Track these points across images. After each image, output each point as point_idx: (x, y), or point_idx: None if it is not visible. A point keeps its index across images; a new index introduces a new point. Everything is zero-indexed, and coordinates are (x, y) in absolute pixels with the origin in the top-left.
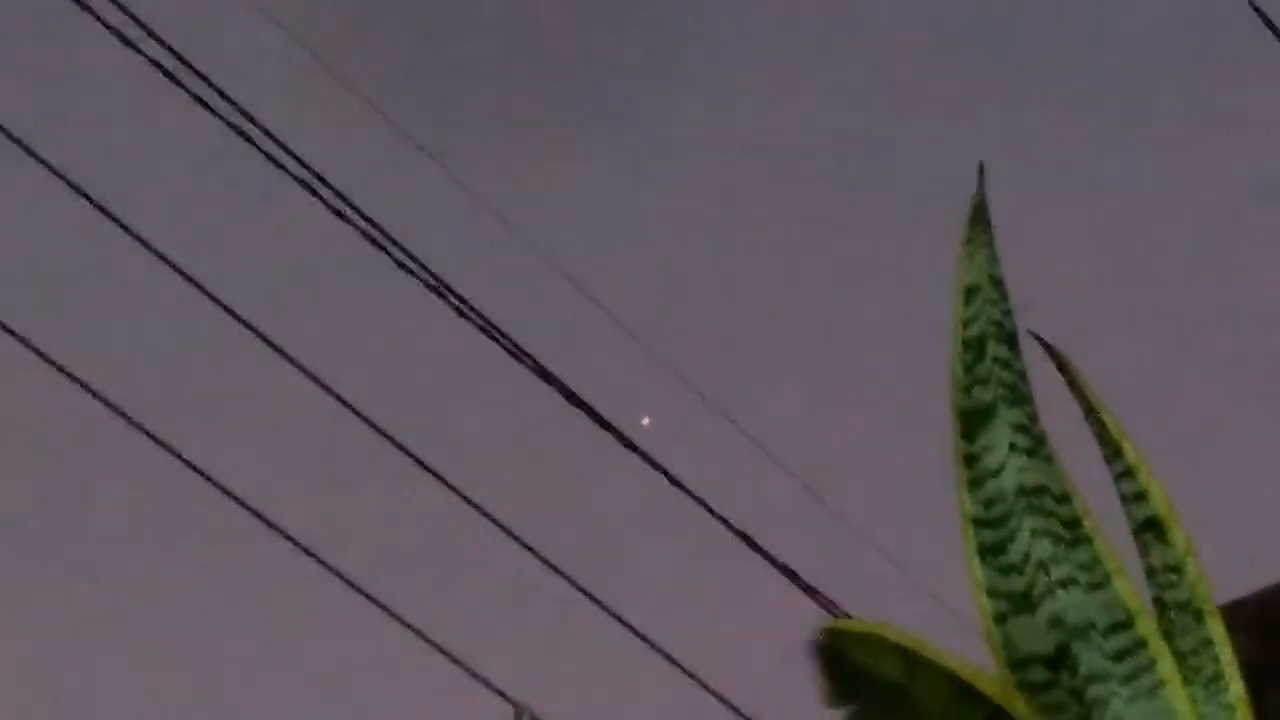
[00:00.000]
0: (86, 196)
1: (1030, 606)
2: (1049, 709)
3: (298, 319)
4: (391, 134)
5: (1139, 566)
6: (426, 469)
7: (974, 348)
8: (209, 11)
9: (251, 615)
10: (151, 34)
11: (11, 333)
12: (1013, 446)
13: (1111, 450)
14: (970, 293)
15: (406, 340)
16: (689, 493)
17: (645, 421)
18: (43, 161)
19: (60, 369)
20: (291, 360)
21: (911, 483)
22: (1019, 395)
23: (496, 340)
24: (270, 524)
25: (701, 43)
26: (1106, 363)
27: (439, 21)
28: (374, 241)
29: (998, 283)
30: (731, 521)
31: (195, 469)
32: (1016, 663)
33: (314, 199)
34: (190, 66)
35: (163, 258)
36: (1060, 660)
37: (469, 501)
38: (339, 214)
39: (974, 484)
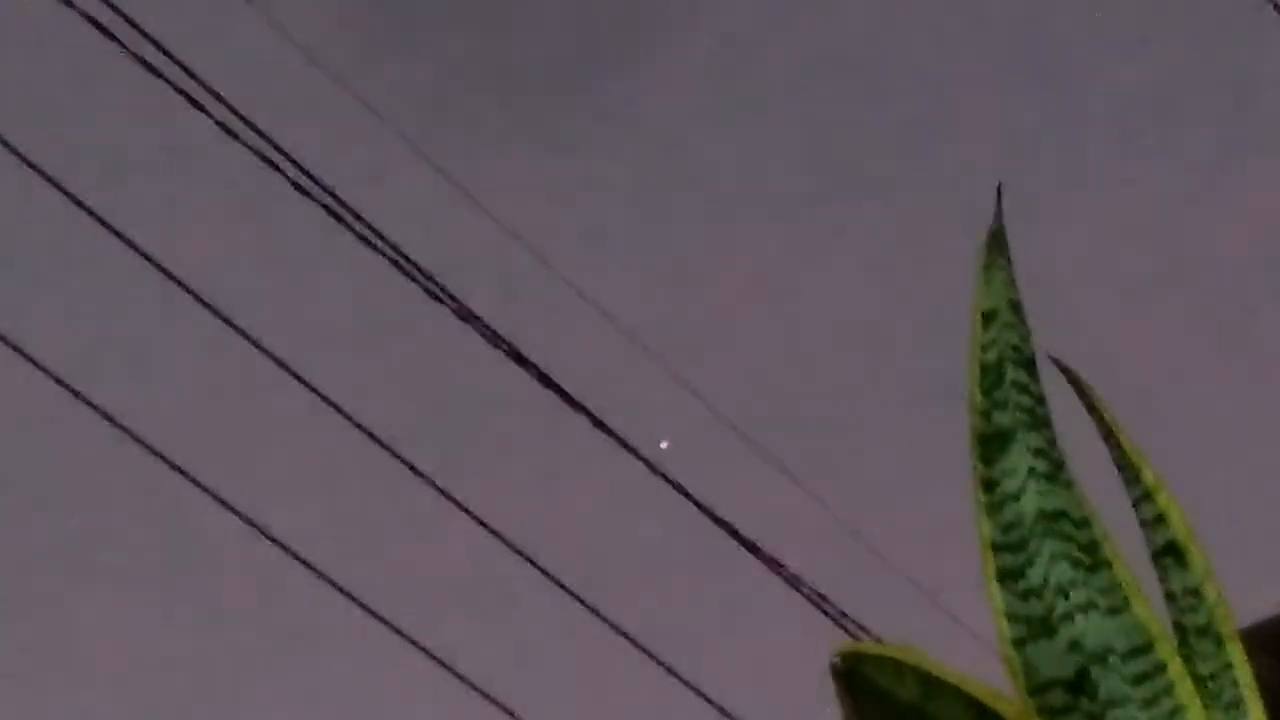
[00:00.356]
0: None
1: (1050, 631)
2: None
3: (315, 343)
4: (409, 153)
5: (1158, 591)
6: (440, 490)
7: (992, 372)
8: (200, 13)
9: (255, 634)
10: (150, 38)
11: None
12: (1031, 471)
13: (1130, 474)
14: (988, 317)
15: (425, 364)
16: (711, 515)
17: (664, 444)
18: (51, 180)
19: (59, 380)
20: (314, 389)
21: (934, 505)
22: (1037, 420)
23: (518, 362)
24: (291, 550)
25: (718, 52)
26: (1124, 385)
27: (462, 34)
28: (399, 266)
29: (1016, 307)
30: (754, 543)
31: (177, 468)
32: (1036, 687)
33: (342, 226)
34: (192, 74)
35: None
36: (1080, 685)
37: (484, 524)
38: (365, 240)
39: (993, 508)
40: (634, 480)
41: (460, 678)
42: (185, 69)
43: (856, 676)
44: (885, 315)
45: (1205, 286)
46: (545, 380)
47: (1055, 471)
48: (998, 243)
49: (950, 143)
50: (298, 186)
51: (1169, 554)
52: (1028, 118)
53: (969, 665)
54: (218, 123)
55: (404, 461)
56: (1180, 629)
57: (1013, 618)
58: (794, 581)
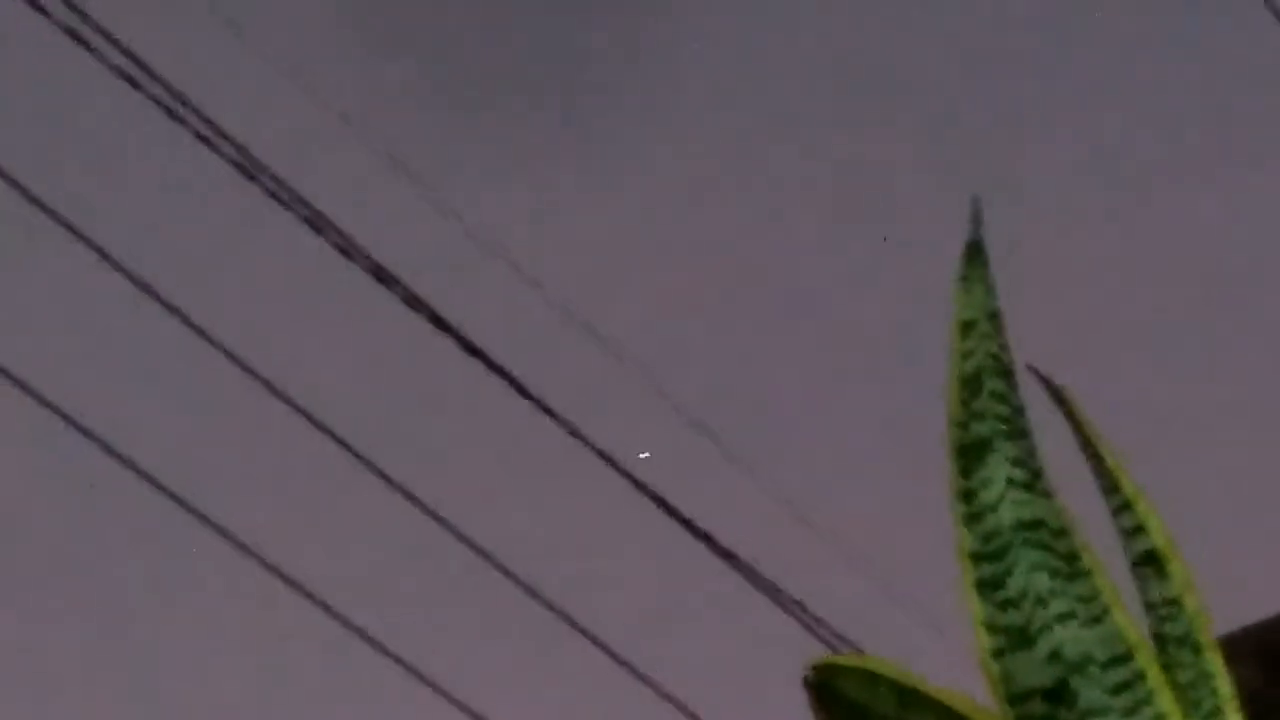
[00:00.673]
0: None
1: (1029, 641)
2: None
3: (296, 355)
4: (390, 167)
5: (1138, 600)
6: (416, 502)
7: (971, 383)
8: (188, 27)
9: (229, 644)
10: (137, 60)
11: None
12: (1010, 481)
13: (1109, 484)
14: (967, 327)
15: (401, 373)
16: (690, 526)
17: (643, 455)
18: (49, 212)
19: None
20: (299, 409)
21: (914, 516)
22: (1016, 430)
23: (496, 371)
24: (261, 558)
25: (706, 68)
26: (1103, 396)
27: (434, 45)
28: (378, 277)
29: (994, 317)
30: (732, 554)
31: (156, 484)
32: (1015, 697)
33: (316, 234)
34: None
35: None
36: (1059, 694)
37: (459, 534)
38: (342, 250)
39: (972, 519)
40: (612, 489)
41: (430, 683)
42: (162, 81)
43: (830, 689)
44: (870, 328)
45: (1182, 298)
46: (520, 389)
47: (1034, 481)
48: (976, 253)
49: (932, 153)
50: (275, 197)
51: (1148, 563)
52: (1005, 130)
53: (947, 675)
54: (168, 111)
55: (379, 473)
56: (1159, 638)
57: (991, 628)
58: (771, 590)
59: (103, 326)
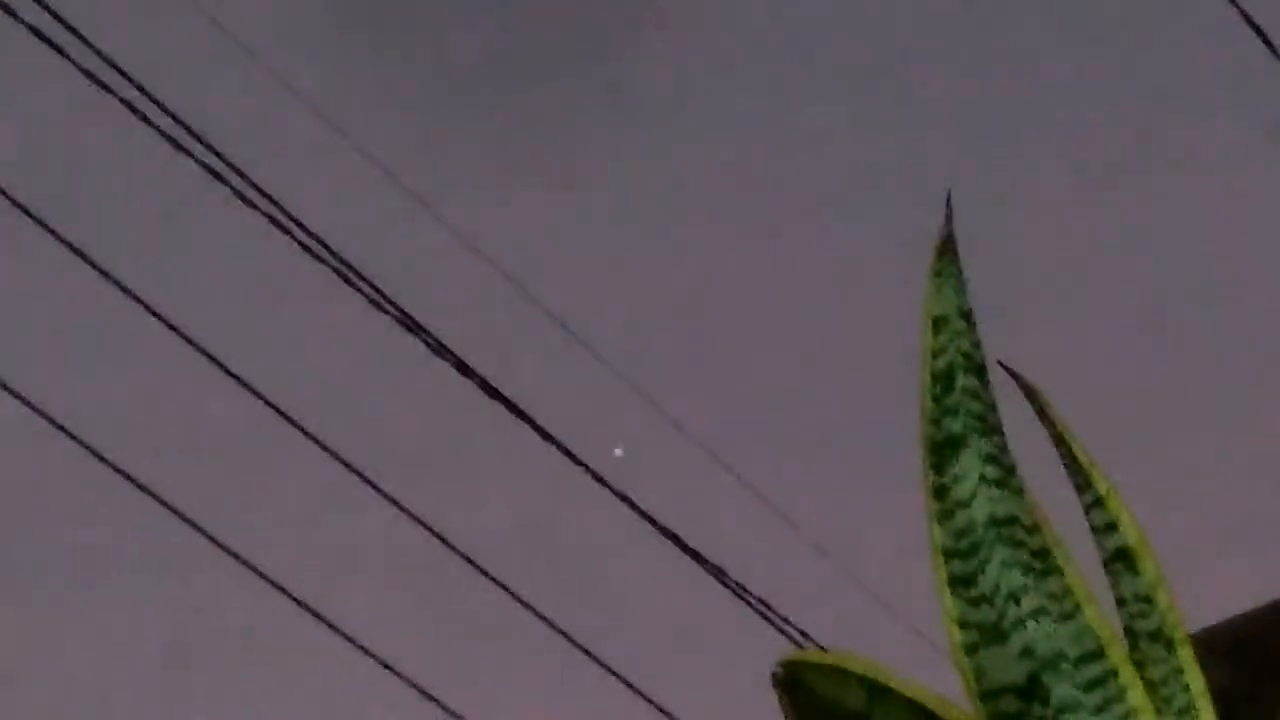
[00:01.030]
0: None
1: (1001, 637)
2: None
3: (277, 354)
4: (366, 166)
5: (1110, 597)
6: (393, 502)
7: (943, 379)
8: (172, 38)
9: (209, 643)
10: (117, 68)
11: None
12: (983, 477)
13: (1081, 480)
14: (939, 323)
15: (377, 376)
16: (658, 525)
17: (618, 452)
18: (50, 229)
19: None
20: (285, 416)
21: (884, 513)
22: (989, 426)
23: (468, 374)
24: (231, 551)
25: (690, 66)
26: (1075, 392)
27: (412, 51)
28: (344, 279)
29: (966, 314)
30: (702, 553)
31: (137, 484)
32: (988, 694)
33: (287, 236)
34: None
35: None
36: (1031, 691)
37: (435, 533)
38: (311, 251)
39: (944, 515)
40: (583, 488)
41: (408, 681)
42: (155, 100)
43: (799, 685)
44: (840, 325)
45: (1155, 295)
46: (492, 390)
47: (1006, 478)
48: (948, 249)
49: (904, 148)
50: (243, 198)
51: (1120, 560)
52: (981, 123)
53: (917, 673)
54: (163, 133)
55: (355, 471)
56: (1131, 634)
57: (964, 624)
58: (739, 589)
59: (85, 323)
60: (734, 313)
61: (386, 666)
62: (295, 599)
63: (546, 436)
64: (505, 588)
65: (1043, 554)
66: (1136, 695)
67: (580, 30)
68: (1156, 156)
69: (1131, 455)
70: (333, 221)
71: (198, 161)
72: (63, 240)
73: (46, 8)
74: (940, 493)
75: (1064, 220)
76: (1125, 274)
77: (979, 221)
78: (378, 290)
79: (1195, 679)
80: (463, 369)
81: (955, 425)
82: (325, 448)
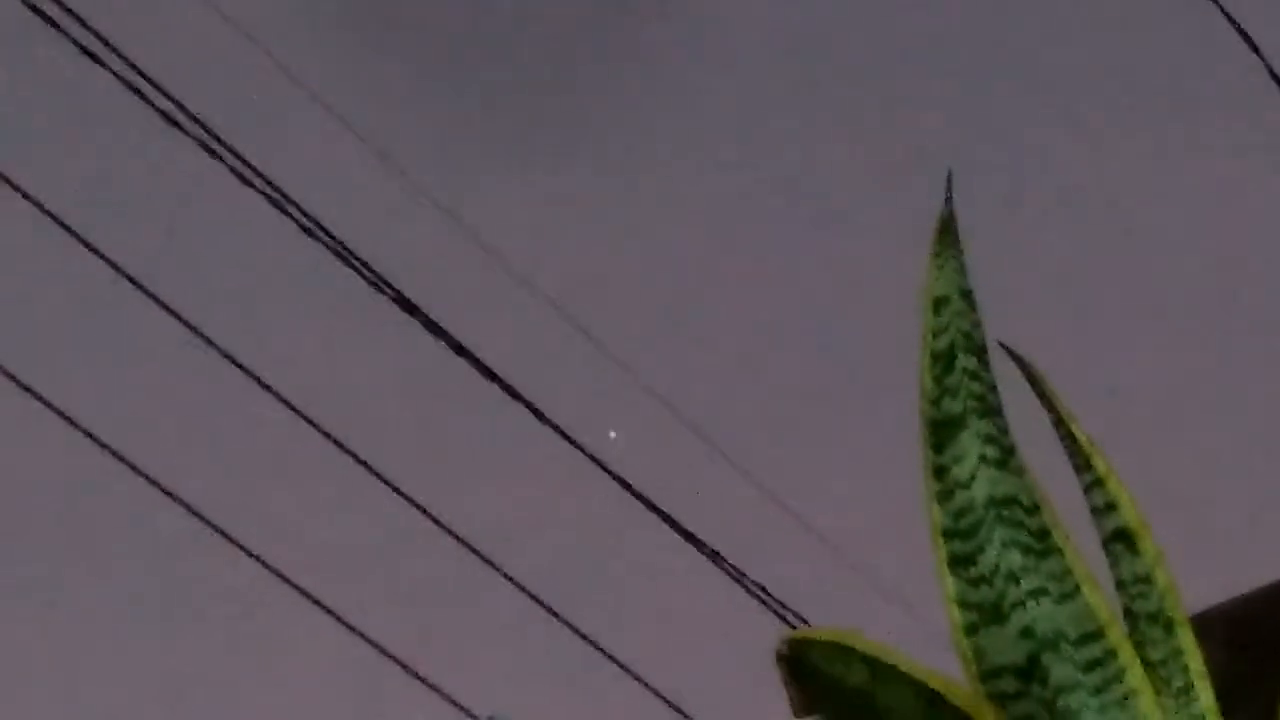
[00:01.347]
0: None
1: (1001, 617)
2: (1020, 719)
3: (276, 341)
4: (360, 149)
5: (1109, 577)
6: (386, 482)
7: (943, 359)
8: (168, 13)
9: (203, 623)
10: (113, 47)
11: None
12: (983, 458)
13: (1081, 461)
14: (939, 304)
15: (372, 360)
16: (654, 507)
17: (612, 435)
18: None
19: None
20: (273, 391)
21: (881, 494)
22: (988, 407)
23: (464, 355)
24: (227, 534)
25: (687, 56)
26: (1074, 373)
27: (418, 40)
28: (344, 260)
29: (967, 294)
30: (698, 535)
31: (132, 466)
32: (987, 674)
33: (284, 215)
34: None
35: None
36: (1031, 671)
37: (430, 516)
38: (305, 229)
39: (944, 495)
40: (578, 470)
41: (399, 662)
42: (160, 88)
43: (803, 663)
44: (832, 304)
45: (1154, 277)
46: (489, 372)
47: (1006, 458)
48: (949, 230)
49: (902, 138)
50: (241, 178)
51: (1119, 540)
52: (983, 107)
53: (913, 654)
54: (161, 112)
55: (349, 452)
56: (1131, 615)
57: (964, 604)
58: (736, 574)
59: (98, 318)
60: (730, 296)
61: (381, 650)
62: (294, 585)
63: (541, 418)
64: (496, 566)
65: (1042, 534)
66: (1136, 675)
67: (581, 25)
68: (1159, 138)
69: (1131, 436)
70: (330, 204)
71: (197, 142)
72: (59, 221)
73: None
74: (940, 473)
75: (1066, 198)
76: (1127, 256)
77: (980, 204)
78: (373, 272)
79: (1195, 659)
80: (459, 351)
81: (955, 406)
82: (322, 430)
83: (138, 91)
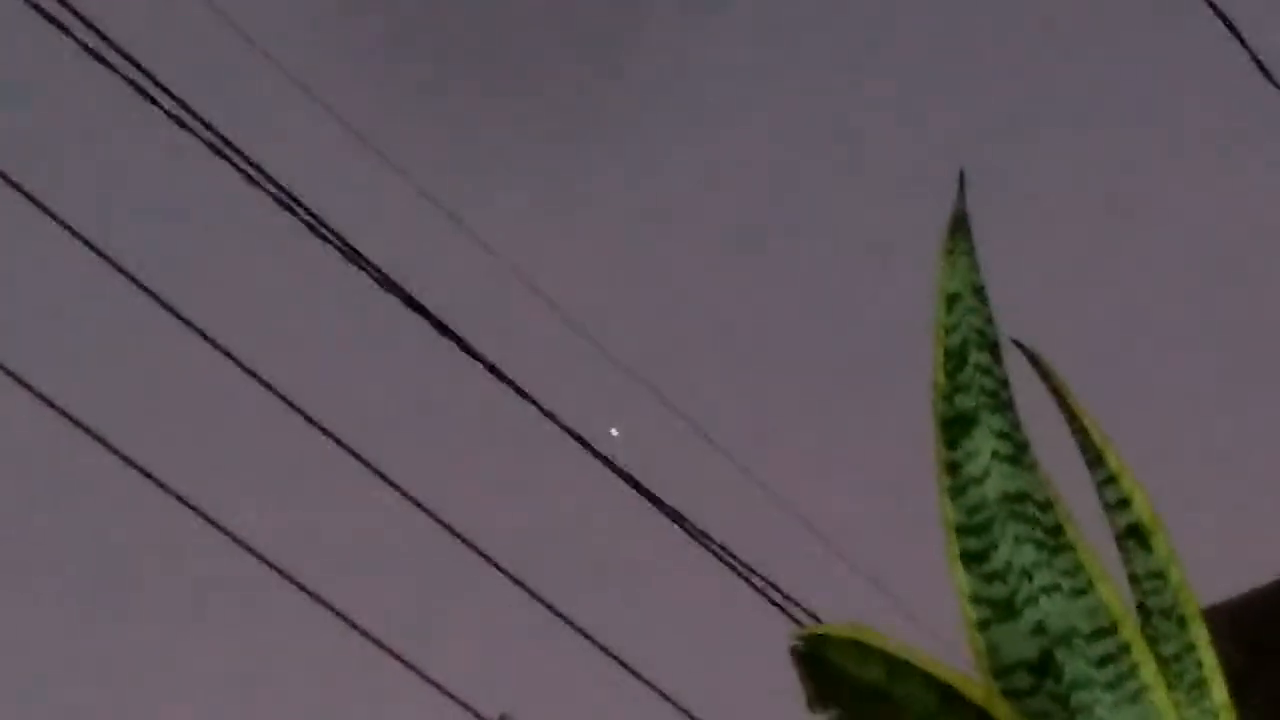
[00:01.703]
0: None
1: (1014, 613)
2: (1033, 715)
3: (277, 338)
4: (359, 147)
5: (1122, 573)
6: (391, 484)
7: (956, 355)
8: (176, 24)
9: (211, 629)
10: (114, 45)
11: None
12: (995, 454)
13: (1093, 457)
14: (952, 300)
15: (375, 354)
16: (660, 504)
17: (614, 432)
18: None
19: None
20: (271, 387)
21: (887, 491)
22: (1001, 402)
23: (468, 352)
24: (232, 534)
25: (686, 56)
26: (1087, 368)
27: (406, 33)
28: (348, 256)
29: (979, 290)
30: (705, 532)
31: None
32: (1000, 670)
33: (284, 211)
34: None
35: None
36: (1044, 667)
37: (434, 516)
38: (311, 228)
39: (957, 491)
40: (583, 468)
41: (404, 662)
42: (164, 87)
43: (818, 658)
44: (843, 300)
45: (1168, 274)
46: (492, 369)
47: (1019, 454)
48: (961, 226)
49: (911, 130)
50: (251, 179)
51: (1133, 536)
52: (993, 103)
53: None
54: (169, 113)
55: (351, 452)
56: (1144, 611)
57: (977, 600)
58: (743, 570)
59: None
60: (732, 295)
61: (386, 649)
62: (290, 578)
63: (545, 414)
64: (498, 565)
65: (1055, 530)
66: (1149, 671)
67: (582, 22)
68: (1171, 136)
69: (1144, 432)
70: (335, 205)
71: (201, 140)
72: (56, 218)
73: None
74: (953, 469)
75: (1079, 195)
76: (1140, 251)
77: (993, 201)
78: (376, 268)
79: (1208, 655)
80: (465, 349)
81: (968, 402)
82: (320, 427)
83: (142, 91)
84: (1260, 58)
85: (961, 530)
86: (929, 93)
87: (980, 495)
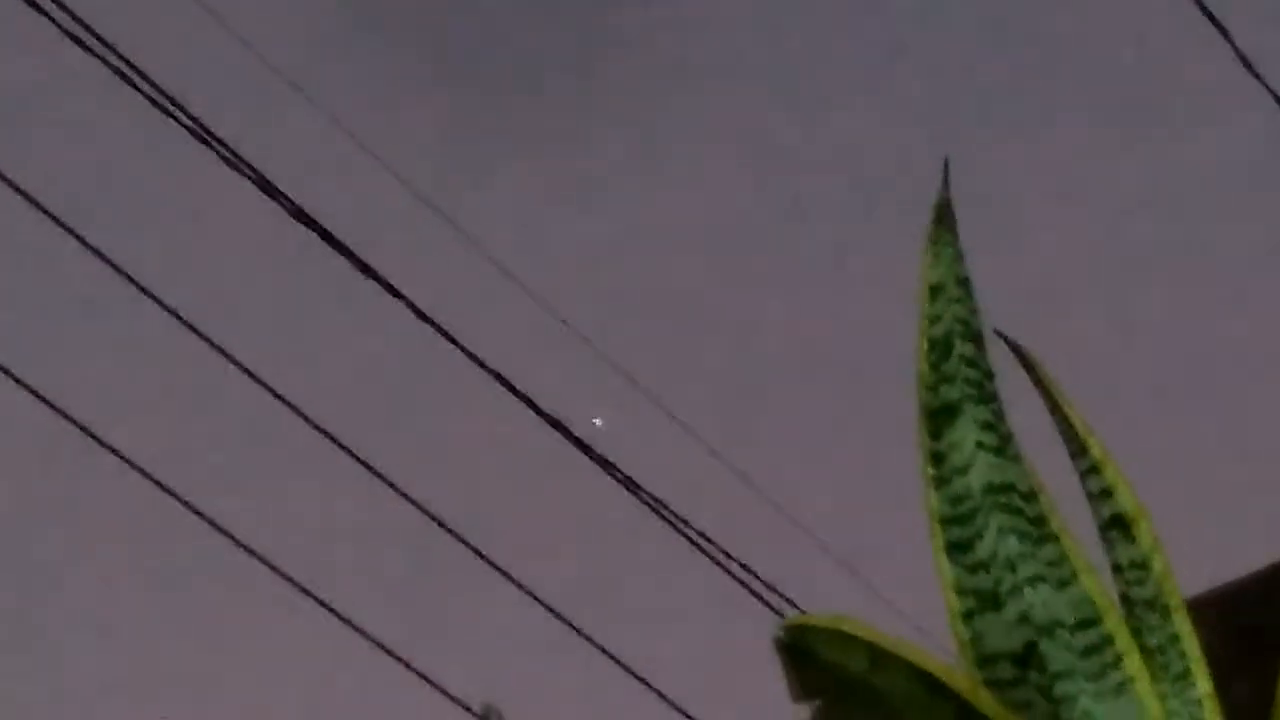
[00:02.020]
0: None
1: (998, 604)
2: (1017, 706)
3: (266, 330)
4: (340, 134)
5: (1106, 563)
6: (374, 472)
7: (940, 346)
8: (163, 13)
9: (193, 615)
10: (100, 38)
11: None
12: (980, 444)
13: (1077, 447)
14: (935, 291)
15: (356, 341)
16: (641, 493)
17: (597, 421)
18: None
19: None
20: (248, 370)
21: (870, 480)
22: (985, 393)
23: (453, 342)
24: (214, 523)
25: (676, 51)
26: (1070, 360)
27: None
28: (329, 242)
29: (963, 281)
30: (685, 522)
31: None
32: (984, 659)
33: (267, 199)
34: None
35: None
36: (1028, 657)
37: (415, 503)
38: (295, 215)
39: (941, 482)
40: (564, 457)
41: (391, 653)
42: (152, 81)
43: (802, 649)
44: (825, 290)
45: (1150, 266)
46: (472, 357)
47: (1003, 445)
48: (945, 217)
49: (894, 123)
50: (229, 162)
51: (1116, 526)
52: (977, 93)
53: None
54: (147, 97)
55: (331, 438)
56: (1127, 601)
57: (961, 590)
58: (720, 557)
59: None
60: (714, 287)
61: (373, 640)
62: (283, 573)
63: (527, 403)
64: (484, 555)
65: (1039, 521)
66: (1133, 662)
67: (572, 21)
68: (1150, 129)
69: (1128, 423)
70: (310, 189)
71: (189, 131)
72: (49, 214)
73: None
74: (937, 459)
75: (1062, 185)
76: (1124, 244)
77: (979, 192)
78: (350, 253)
79: (1191, 645)
80: (447, 338)
81: (952, 392)
82: (305, 417)
83: (132, 84)
84: (1240, 48)
85: (946, 521)
86: (911, 83)
87: (965, 486)
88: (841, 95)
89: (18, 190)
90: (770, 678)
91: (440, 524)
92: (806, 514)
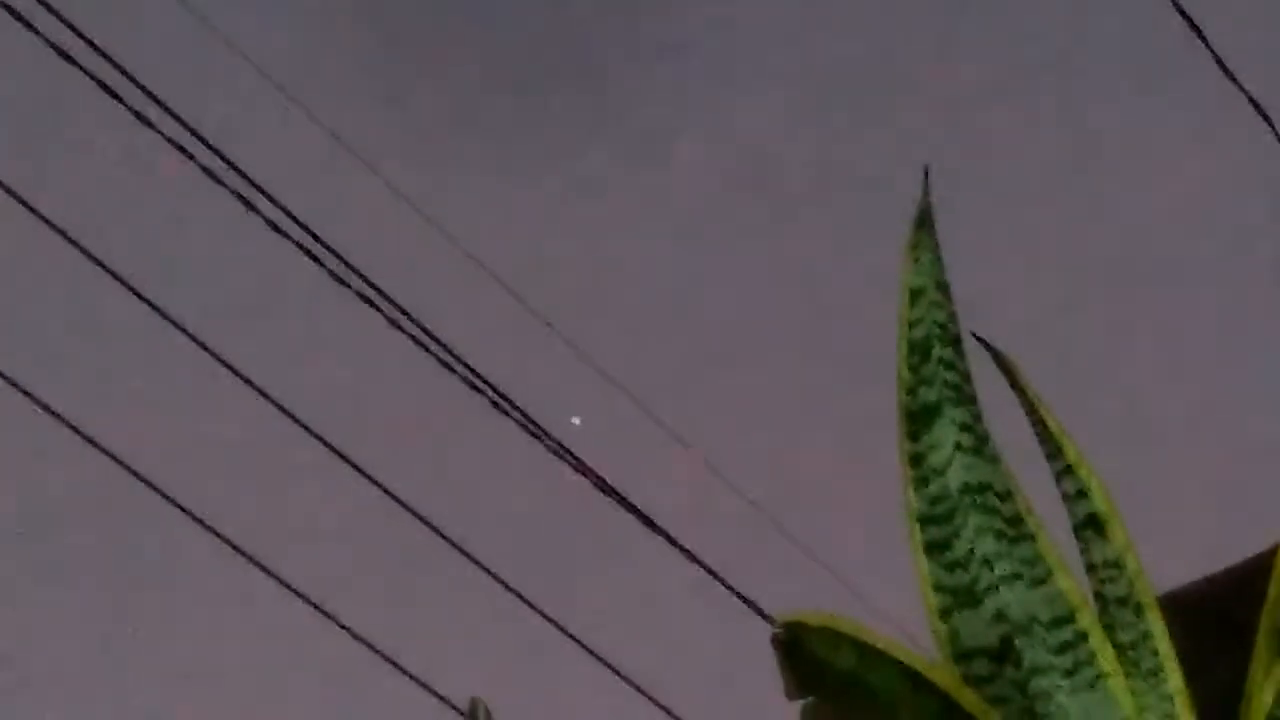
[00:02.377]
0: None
1: (975, 601)
2: (993, 701)
3: (249, 335)
4: (324, 135)
5: (1080, 562)
6: (361, 472)
7: (919, 349)
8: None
9: (183, 623)
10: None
11: None
12: (958, 445)
13: (1053, 449)
14: (916, 295)
15: (338, 347)
16: (618, 496)
17: (576, 420)
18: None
19: None
20: (243, 376)
21: (849, 479)
22: (963, 396)
23: (426, 346)
24: (206, 524)
25: (663, 55)
26: (1045, 360)
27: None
28: (304, 248)
29: (943, 286)
30: (658, 523)
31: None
32: (961, 656)
33: (250, 211)
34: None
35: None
36: (1004, 654)
37: (404, 505)
38: (271, 223)
39: (920, 482)
40: (540, 459)
41: (375, 650)
42: (139, 84)
43: (797, 647)
44: (797, 297)
45: (1124, 269)
46: (461, 361)
47: (981, 446)
48: (925, 222)
49: (876, 126)
50: (209, 173)
51: (1090, 526)
52: (958, 99)
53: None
54: (136, 113)
55: (318, 438)
56: (1101, 599)
57: (939, 588)
58: (694, 557)
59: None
60: (700, 288)
61: (357, 638)
62: (270, 572)
63: (507, 401)
64: (468, 554)
65: (1015, 521)
66: (1107, 658)
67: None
68: (1129, 132)
69: (1101, 424)
70: (300, 197)
71: (185, 152)
72: (43, 218)
73: None
74: (916, 460)
75: (1040, 193)
76: (1099, 247)
77: (958, 198)
78: (338, 255)
79: (1164, 642)
80: (420, 343)
81: (931, 394)
82: (292, 415)
83: (115, 94)
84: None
85: (924, 520)
86: (895, 85)
87: (943, 486)
88: (826, 100)
89: (10, 192)
90: (752, 678)
91: (428, 524)
92: (789, 513)
